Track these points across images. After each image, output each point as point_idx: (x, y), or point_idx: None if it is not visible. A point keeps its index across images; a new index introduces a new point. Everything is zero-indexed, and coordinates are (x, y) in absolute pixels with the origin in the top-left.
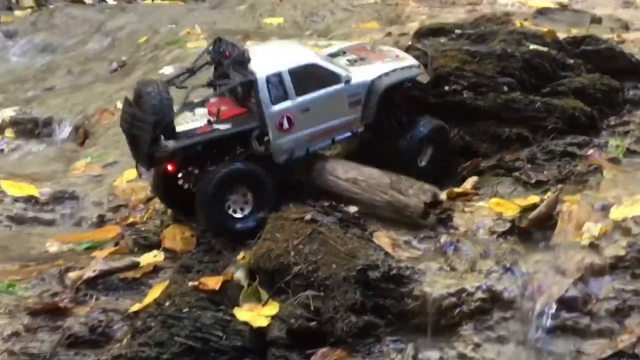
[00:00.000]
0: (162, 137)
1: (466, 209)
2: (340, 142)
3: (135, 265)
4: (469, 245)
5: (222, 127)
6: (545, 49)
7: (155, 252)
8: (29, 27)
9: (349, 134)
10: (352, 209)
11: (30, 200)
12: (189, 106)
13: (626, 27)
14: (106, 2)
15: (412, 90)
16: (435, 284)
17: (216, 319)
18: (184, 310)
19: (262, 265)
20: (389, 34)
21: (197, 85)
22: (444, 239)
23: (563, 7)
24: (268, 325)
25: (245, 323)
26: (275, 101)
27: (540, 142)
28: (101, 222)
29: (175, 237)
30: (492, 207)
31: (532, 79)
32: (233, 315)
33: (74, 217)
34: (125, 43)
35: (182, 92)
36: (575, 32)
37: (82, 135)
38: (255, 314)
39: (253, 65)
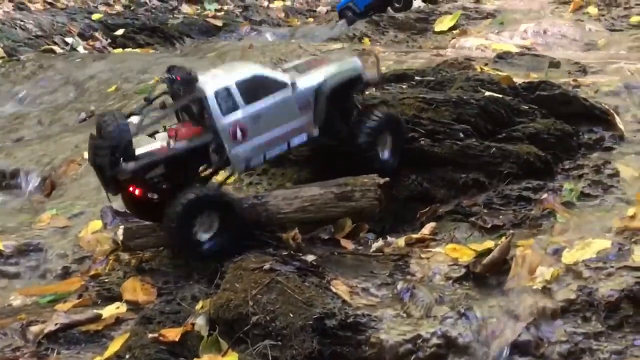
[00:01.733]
0: (122, 160)
1: (423, 255)
2: (297, 146)
3: (97, 318)
4: (425, 291)
5: (179, 145)
6: (500, 95)
7: (118, 304)
8: (0, 78)
9: (304, 138)
10: (310, 257)
11: None
12: (152, 135)
13: (584, 70)
14: (77, 51)
15: (364, 89)
16: (392, 330)
17: None
18: None
19: (221, 315)
20: None
21: (151, 108)
22: (400, 285)
23: (524, 52)
24: None
25: None
26: (226, 112)
27: (496, 187)
28: (65, 274)
29: (136, 288)
30: (448, 252)
31: (487, 125)
32: None
33: (38, 269)
34: (94, 92)
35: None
36: (534, 76)
37: (49, 187)
38: None
39: (201, 83)
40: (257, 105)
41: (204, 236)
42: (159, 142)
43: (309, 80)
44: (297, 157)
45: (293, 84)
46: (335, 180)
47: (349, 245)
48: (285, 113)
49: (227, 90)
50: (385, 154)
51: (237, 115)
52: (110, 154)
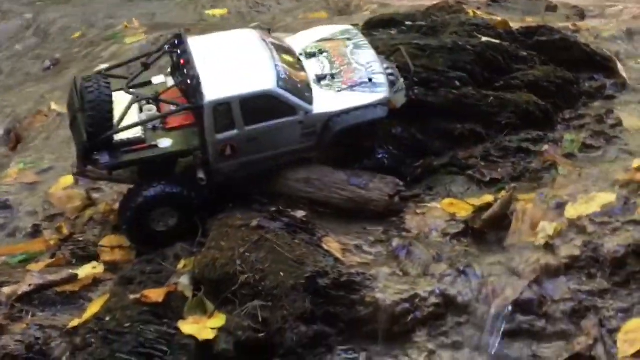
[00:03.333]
0: (95, 150)
1: (418, 211)
2: (286, 165)
3: (73, 278)
4: (422, 249)
5: (163, 144)
6: (498, 41)
7: (94, 263)
8: None
9: (296, 158)
10: (300, 213)
11: None
12: (139, 99)
13: (582, 14)
14: None
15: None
16: (388, 289)
17: (160, 333)
18: (126, 325)
19: (207, 275)
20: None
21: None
22: (396, 242)
23: None
24: (214, 338)
25: (191, 336)
26: (220, 130)
27: (494, 138)
28: (36, 232)
29: (114, 248)
30: (445, 207)
31: (484, 73)
32: (178, 329)
33: (7, 227)
34: (58, 39)
35: None
36: (530, 20)
37: (14, 140)
38: (201, 327)
39: (204, 88)
40: (256, 127)
41: (162, 227)
42: (139, 130)
43: (322, 106)
44: None
45: (307, 112)
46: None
47: None
48: (286, 138)
49: (228, 105)
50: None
51: (232, 133)
52: (87, 129)
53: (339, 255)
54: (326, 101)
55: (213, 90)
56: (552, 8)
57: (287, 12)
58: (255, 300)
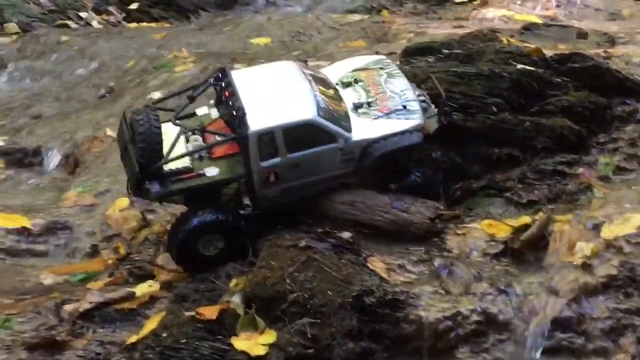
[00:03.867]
0: (147, 181)
1: (458, 231)
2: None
3: (131, 296)
4: (463, 268)
5: (210, 173)
6: (532, 68)
7: (150, 282)
8: (15, 54)
9: (336, 183)
10: (346, 234)
11: (22, 231)
12: (186, 130)
13: (612, 41)
14: (91, 25)
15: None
16: (431, 307)
17: (214, 349)
18: (182, 341)
19: (258, 293)
20: (377, 52)
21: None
22: (437, 262)
23: (550, 22)
24: (266, 354)
25: (243, 352)
26: (264, 158)
27: (530, 162)
28: (94, 252)
29: (169, 266)
30: (484, 228)
31: (520, 99)
32: (231, 345)
33: (67, 247)
34: (111, 68)
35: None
36: (562, 48)
37: (72, 164)
38: (253, 343)
39: (249, 117)
40: (298, 154)
41: (210, 252)
42: (187, 160)
43: (360, 133)
44: None
45: (344, 141)
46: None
47: None
48: (327, 164)
49: (271, 134)
50: None
51: (275, 161)
52: (138, 160)
53: (383, 274)
54: (364, 128)
55: (257, 120)
56: (583, 35)
57: (327, 41)
58: (304, 317)
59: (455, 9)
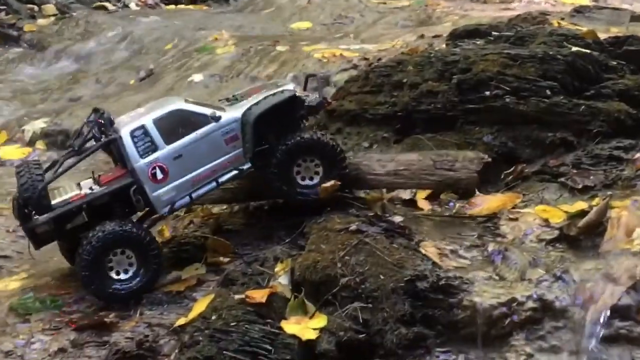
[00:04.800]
0: (34, 214)
1: (512, 216)
2: (226, 182)
3: (178, 279)
4: (518, 254)
5: (97, 190)
6: (587, 50)
7: (197, 265)
8: (53, 36)
9: (234, 172)
10: (397, 218)
11: None
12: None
13: None
14: (129, 7)
15: (306, 114)
16: (485, 293)
17: (264, 332)
18: (232, 324)
19: (307, 277)
20: (422, 36)
21: (68, 156)
22: (491, 247)
23: (601, 5)
24: (317, 338)
25: (294, 336)
26: (144, 154)
27: (585, 147)
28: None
29: (217, 249)
30: (538, 213)
31: (575, 82)
32: (280, 329)
33: None
34: (151, 50)
35: None
36: (615, 31)
37: None
38: (303, 327)
39: (117, 124)
40: (178, 144)
41: (122, 275)
42: (80, 190)
43: (234, 112)
44: (374, 115)
45: (215, 117)
46: (435, 151)
47: (427, 206)
48: (211, 149)
49: (144, 129)
50: (311, 181)
51: (156, 155)
52: (22, 207)
53: (436, 259)
54: (237, 108)
55: (128, 124)
56: (636, 18)
57: (369, 23)
58: (355, 302)
59: None
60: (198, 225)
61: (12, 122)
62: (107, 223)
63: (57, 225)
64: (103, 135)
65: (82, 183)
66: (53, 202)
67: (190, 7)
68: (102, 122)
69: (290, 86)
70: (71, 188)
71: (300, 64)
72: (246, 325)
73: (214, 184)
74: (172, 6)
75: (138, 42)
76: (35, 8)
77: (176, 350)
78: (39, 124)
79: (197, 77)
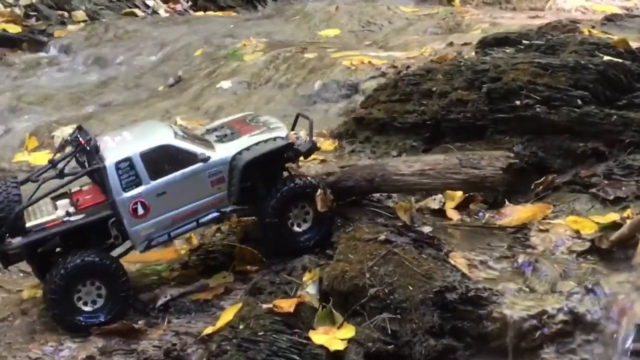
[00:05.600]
0: (7, 235)
1: (542, 227)
2: (207, 223)
3: (206, 287)
4: (548, 265)
5: (74, 218)
6: (619, 59)
7: (224, 273)
8: (83, 42)
9: (215, 214)
10: (426, 228)
11: None
12: (59, 196)
13: None
14: (158, 14)
15: (295, 159)
16: (515, 305)
17: (292, 342)
18: (259, 334)
19: (335, 287)
20: (451, 43)
21: (49, 177)
22: (521, 258)
23: (633, 13)
24: (345, 348)
25: (322, 346)
26: (127, 187)
27: (616, 157)
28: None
29: (245, 258)
30: (569, 224)
31: (606, 92)
32: (308, 339)
33: None
34: (179, 56)
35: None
36: None
37: None
38: (331, 337)
39: (103, 151)
40: (163, 180)
41: (89, 307)
42: (57, 212)
43: (223, 153)
44: (402, 123)
45: (205, 158)
46: (460, 151)
47: (456, 216)
48: (195, 189)
49: (130, 161)
50: (303, 227)
51: (140, 190)
52: None
53: (465, 270)
54: (228, 148)
55: (114, 153)
56: None
57: (398, 31)
58: (383, 312)
59: None
60: (226, 233)
61: (42, 128)
62: (83, 253)
63: (30, 248)
64: (85, 158)
65: (58, 203)
66: (28, 224)
67: (219, 13)
68: (88, 148)
69: (283, 131)
70: (47, 208)
71: (329, 71)
72: (274, 335)
73: (194, 223)
74: (201, 13)
75: (167, 49)
76: (65, 14)
77: (204, 359)
78: (68, 130)
79: (226, 84)
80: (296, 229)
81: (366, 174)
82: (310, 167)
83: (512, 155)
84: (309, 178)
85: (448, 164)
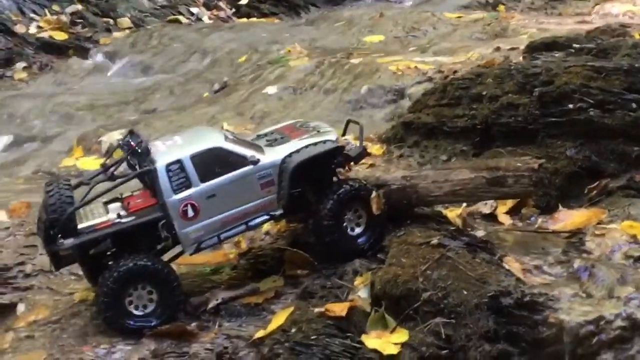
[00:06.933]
0: (60, 236)
1: (597, 232)
2: (256, 226)
3: (256, 291)
4: (605, 270)
5: (125, 220)
6: None
7: (274, 277)
8: (128, 48)
9: (265, 217)
10: (479, 232)
11: None
12: (110, 202)
13: None
14: (202, 21)
15: (345, 164)
16: (571, 311)
17: (345, 346)
18: (312, 337)
19: (388, 291)
20: (498, 48)
21: (101, 180)
22: (577, 263)
23: None
24: (398, 353)
25: (375, 350)
26: (177, 189)
27: None
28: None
29: (296, 261)
30: (625, 229)
31: None
32: (361, 343)
33: None
34: (224, 63)
35: None
36: None
37: None
38: (384, 341)
39: (154, 154)
40: (213, 183)
41: (139, 311)
42: (108, 215)
43: (273, 156)
44: (452, 128)
45: (254, 160)
46: (485, 162)
47: (508, 220)
48: (245, 192)
49: (180, 163)
50: (356, 230)
51: (190, 192)
52: (48, 228)
53: (519, 275)
54: (277, 152)
55: (165, 155)
56: None
57: (442, 36)
58: (437, 317)
59: (576, 4)
60: (274, 237)
61: (90, 134)
62: (135, 257)
63: (81, 250)
64: (136, 161)
65: (109, 206)
66: (79, 225)
67: (263, 20)
68: (139, 150)
69: (333, 135)
70: (98, 211)
71: (375, 77)
72: (326, 339)
73: (243, 226)
74: (245, 19)
75: (211, 55)
76: (111, 21)
77: None
78: (115, 135)
79: (271, 90)
80: (350, 232)
81: (403, 196)
82: (358, 171)
83: (536, 166)
84: (362, 181)
85: (476, 183)
